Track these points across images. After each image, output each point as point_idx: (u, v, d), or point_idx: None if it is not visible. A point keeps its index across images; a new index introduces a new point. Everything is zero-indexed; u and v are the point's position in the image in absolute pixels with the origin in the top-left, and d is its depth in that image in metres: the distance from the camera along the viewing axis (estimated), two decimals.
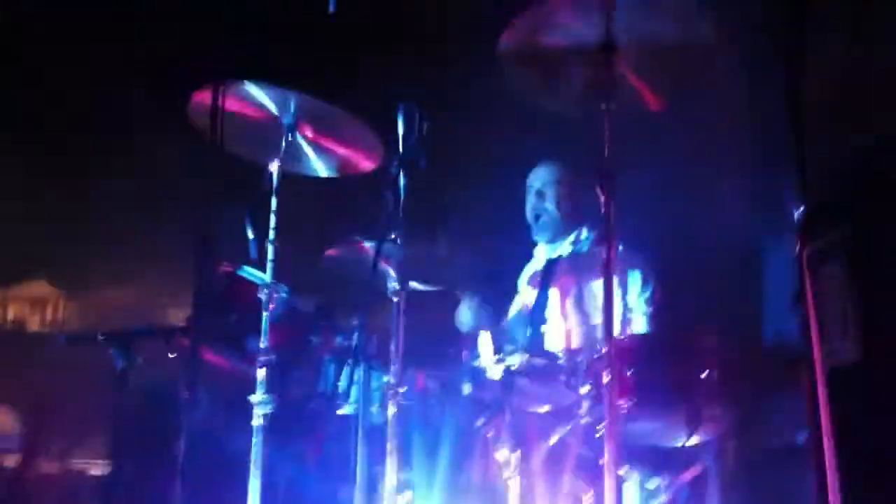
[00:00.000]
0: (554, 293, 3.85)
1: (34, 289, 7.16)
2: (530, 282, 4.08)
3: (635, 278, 3.62)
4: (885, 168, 1.55)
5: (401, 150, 3.19)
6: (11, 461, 5.17)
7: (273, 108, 3.28)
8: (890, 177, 1.58)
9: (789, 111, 1.81)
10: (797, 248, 1.69)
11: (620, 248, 2.85)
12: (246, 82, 3.16)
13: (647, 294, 3.64)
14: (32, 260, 6.34)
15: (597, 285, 2.81)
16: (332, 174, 3.53)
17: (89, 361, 3.69)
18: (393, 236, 3.09)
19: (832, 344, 1.59)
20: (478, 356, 3.07)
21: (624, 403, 2.79)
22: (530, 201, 4.06)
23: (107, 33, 5.15)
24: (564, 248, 4.01)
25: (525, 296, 4.08)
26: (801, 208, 1.70)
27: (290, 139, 3.30)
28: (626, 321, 3.26)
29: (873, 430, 1.46)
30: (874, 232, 1.50)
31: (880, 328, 1.48)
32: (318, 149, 3.42)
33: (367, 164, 3.44)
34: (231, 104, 3.15)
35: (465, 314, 3.88)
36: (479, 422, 3.12)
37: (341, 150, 3.43)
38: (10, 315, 7.14)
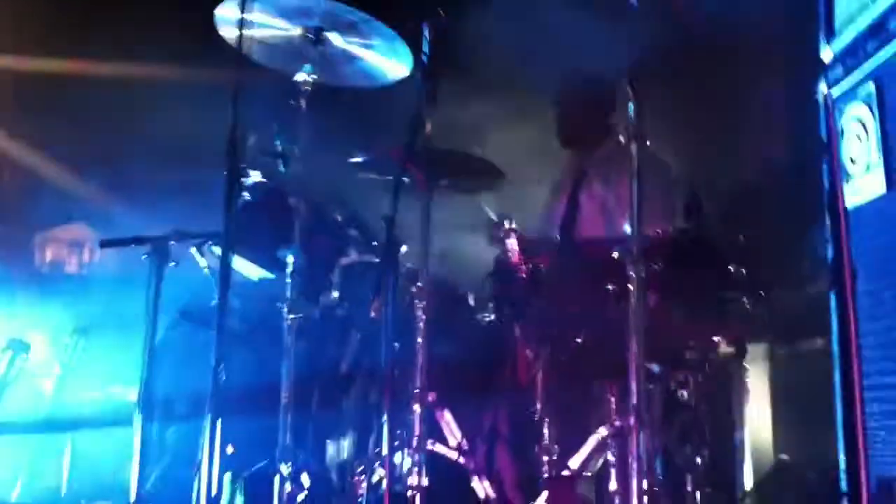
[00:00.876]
0: (584, 200, 3.85)
1: (73, 231, 7.24)
2: (560, 190, 4.07)
3: (666, 175, 3.61)
4: None
5: (425, 60, 3.19)
6: None
7: (298, 15, 3.27)
8: None
9: None
10: (823, 90, 1.69)
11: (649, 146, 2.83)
12: None
13: (677, 192, 3.62)
14: (71, 204, 6.41)
15: (625, 187, 2.80)
16: (361, 83, 3.54)
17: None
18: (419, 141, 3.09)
19: (857, 182, 1.58)
20: (505, 254, 3.08)
21: (651, 299, 2.80)
22: (556, 112, 4.05)
23: None
24: (595, 157, 4.00)
25: (554, 202, 4.08)
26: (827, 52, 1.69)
27: (317, 47, 3.31)
28: (654, 219, 3.23)
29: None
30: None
31: None
32: (346, 57, 3.42)
33: (396, 73, 3.44)
34: (257, 14, 3.20)
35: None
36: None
37: (369, 59, 3.43)
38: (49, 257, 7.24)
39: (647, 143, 2.70)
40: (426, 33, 3.17)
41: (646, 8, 2.82)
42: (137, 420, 3.20)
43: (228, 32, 3.28)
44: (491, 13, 4.31)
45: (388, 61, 3.42)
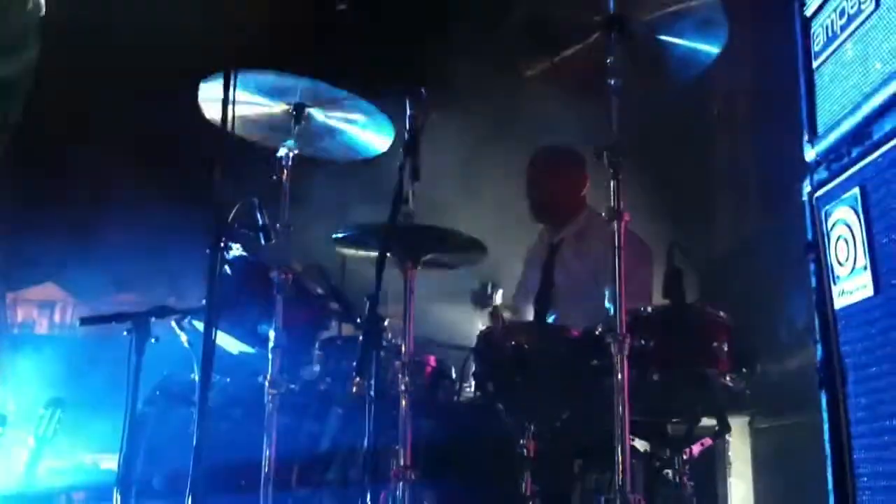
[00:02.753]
0: (559, 274, 3.87)
1: (43, 292, 7.18)
2: (534, 263, 4.10)
3: (642, 252, 3.64)
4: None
5: (407, 135, 3.21)
6: None
7: (280, 92, 3.30)
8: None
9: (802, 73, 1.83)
10: (807, 192, 1.72)
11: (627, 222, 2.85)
12: (254, 70, 3.19)
13: (652, 268, 3.66)
14: (42, 265, 6.37)
15: (602, 261, 2.84)
16: (343, 157, 3.56)
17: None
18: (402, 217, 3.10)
19: (843, 284, 1.61)
20: (488, 331, 3.09)
21: (635, 375, 2.81)
22: (530, 187, 4.10)
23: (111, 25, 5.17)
24: (568, 230, 4.04)
25: (528, 275, 4.11)
26: (812, 156, 1.73)
27: (298, 122, 3.33)
28: (631, 296, 3.25)
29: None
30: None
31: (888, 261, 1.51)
32: (328, 132, 3.45)
33: (378, 146, 3.47)
34: (240, 93, 3.22)
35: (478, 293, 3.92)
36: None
37: (351, 133, 3.46)
38: (20, 317, 7.15)
39: (628, 220, 2.74)
40: (408, 109, 3.20)
41: (625, 86, 2.89)
42: (116, 498, 3.16)
43: (211, 109, 3.30)
44: (469, 88, 4.38)
45: (371, 135, 3.45)
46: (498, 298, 4.07)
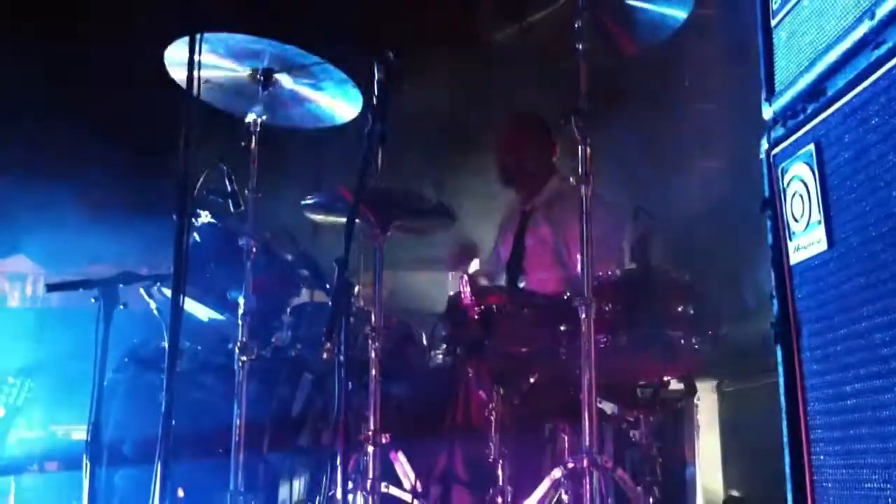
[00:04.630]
0: (531, 240, 3.89)
1: (14, 264, 7.11)
2: (506, 230, 4.12)
3: (612, 216, 3.66)
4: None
5: (375, 100, 3.20)
6: None
7: (248, 56, 3.27)
8: None
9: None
10: (765, 149, 1.74)
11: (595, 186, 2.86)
12: (221, 32, 3.16)
13: (624, 233, 3.68)
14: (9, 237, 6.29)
15: (573, 228, 2.85)
16: (311, 125, 3.54)
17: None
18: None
19: (799, 240, 1.63)
20: (458, 295, 3.10)
21: (602, 339, 2.84)
22: (497, 153, 4.11)
23: None
24: (539, 197, 4.05)
25: (501, 242, 4.12)
26: (769, 114, 1.74)
27: (266, 89, 3.31)
28: (602, 260, 3.27)
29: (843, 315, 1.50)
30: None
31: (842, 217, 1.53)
32: (296, 98, 3.42)
33: (346, 114, 3.45)
34: (207, 55, 3.18)
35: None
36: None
37: (320, 100, 3.44)
38: None
39: (593, 183, 2.76)
40: (376, 73, 3.19)
41: (591, 50, 2.89)
42: (86, 464, 3.15)
43: (178, 73, 3.27)
44: (439, 57, 4.36)
45: (339, 102, 3.43)
46: (475, 265, 4.09)
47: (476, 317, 3.02)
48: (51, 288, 3.23)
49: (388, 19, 4.63)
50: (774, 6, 1.74)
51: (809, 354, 1.61)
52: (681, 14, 2.97)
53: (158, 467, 2.49)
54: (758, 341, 3.44)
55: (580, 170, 2.77)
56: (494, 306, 3.03)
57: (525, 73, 3.95)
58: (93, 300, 3.16)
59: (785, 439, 1.64)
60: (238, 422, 3.10)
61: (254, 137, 3.33)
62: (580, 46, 2.88)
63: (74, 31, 5.26)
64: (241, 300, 3.21)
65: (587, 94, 2.83)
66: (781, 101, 1.71)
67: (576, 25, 2.89)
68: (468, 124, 4.71)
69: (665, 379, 3.13)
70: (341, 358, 3.05)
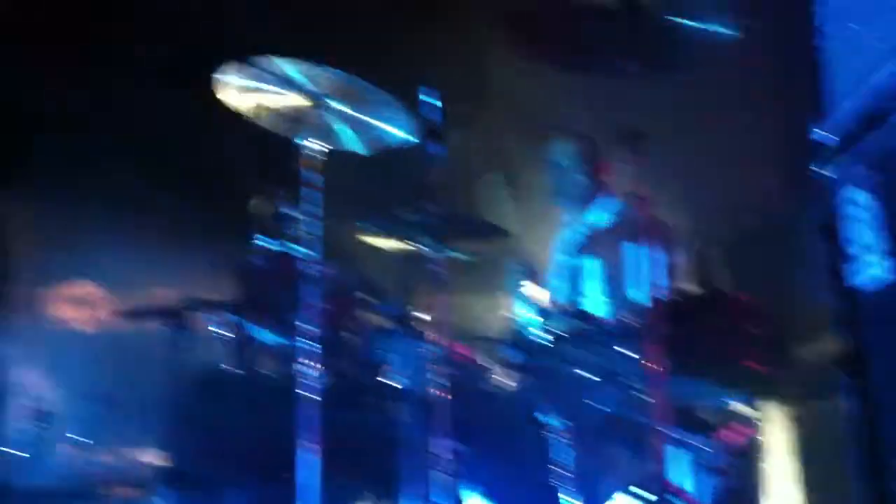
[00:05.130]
0: (590, 261, 3.85)
1: (78, 289, 7.21)
2: (566, 250, 4.08)
3: (673, 240, 3.59)
4: None
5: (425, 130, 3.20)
6: None
7: (303, 84, 3.28)
8: None
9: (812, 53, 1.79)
10: (822, 172, 1.68)
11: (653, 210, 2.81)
12: (274, 58, 3.17)
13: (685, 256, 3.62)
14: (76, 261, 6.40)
15: (633, 250, 2.81)
16: (366, 150, 3.55)
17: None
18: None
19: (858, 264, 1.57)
20: (523, 321, 3.08)
21: (668, 366, 2.78)
22: (554, 175, 4.08)
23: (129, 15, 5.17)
24: (597, 216, 4.00)
25: (561, 263, 4.09)
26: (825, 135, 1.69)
27: (321, 114, 3.32)
28: (666, 284, 3.22)
29: None
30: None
31: None
32: (351, 124, 3.43)
33: (400, 139, 3.45)
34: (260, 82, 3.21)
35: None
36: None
37: (374, 125, 3.44)
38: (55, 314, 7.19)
39: (649, 204, 2.71)
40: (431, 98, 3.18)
41: (642, 70, 2.84)
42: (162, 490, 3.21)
43: (232, 98, 3.29)
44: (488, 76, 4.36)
45: (393, 127, 3.43)
46: (532, 286, 4.04)
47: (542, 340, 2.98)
48: (124, 316, 3.30)
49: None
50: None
51: (878, 388, 1.55)
52: (731, 32, 2.90)
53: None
54: (825, 362, 3.35)
55: (634, 189, 2.73)
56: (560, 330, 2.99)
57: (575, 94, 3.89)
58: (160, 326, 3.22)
59: (858, 474, 1.58)
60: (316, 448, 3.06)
61: (310, 162, 3.35)
62: (626, 64, 2.82)
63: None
64: (302, 325, 3.21)
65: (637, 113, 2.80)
66: (838, 123, 1.66)
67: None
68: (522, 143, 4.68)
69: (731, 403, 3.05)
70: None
